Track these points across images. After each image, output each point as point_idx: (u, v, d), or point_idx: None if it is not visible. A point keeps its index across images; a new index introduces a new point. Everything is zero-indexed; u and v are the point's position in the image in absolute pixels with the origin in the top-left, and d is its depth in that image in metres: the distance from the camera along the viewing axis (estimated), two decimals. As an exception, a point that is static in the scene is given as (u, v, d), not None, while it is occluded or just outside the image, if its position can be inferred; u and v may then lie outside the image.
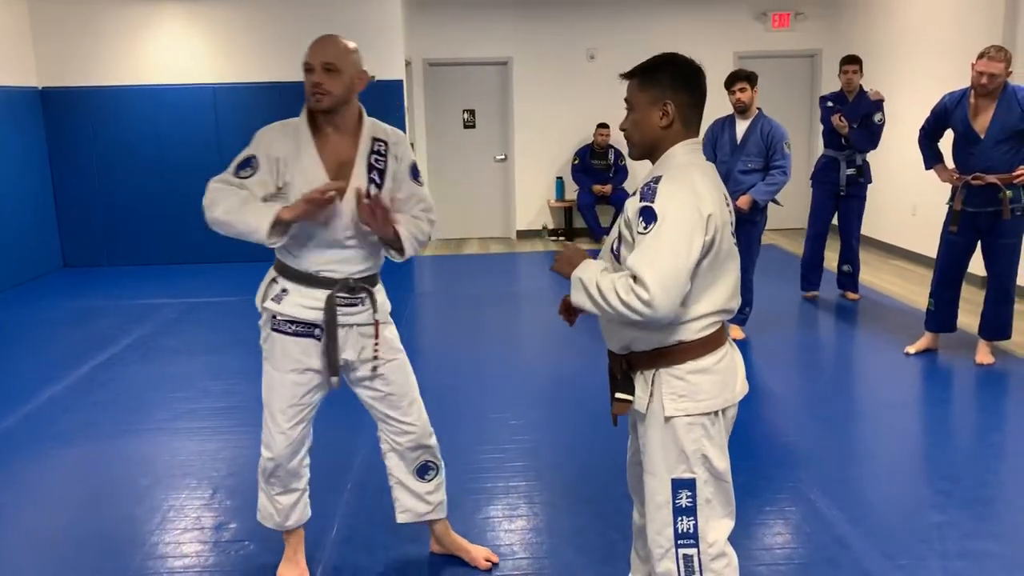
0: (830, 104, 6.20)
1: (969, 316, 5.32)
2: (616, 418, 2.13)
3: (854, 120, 6.04)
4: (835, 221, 6.41)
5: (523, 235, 10.01)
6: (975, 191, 4.64)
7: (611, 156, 9.43)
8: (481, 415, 4.28)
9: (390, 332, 2.72)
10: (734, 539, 2.13)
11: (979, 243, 4.83)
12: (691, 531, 2.03)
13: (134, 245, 8.58)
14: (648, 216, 1.90)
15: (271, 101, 7.85)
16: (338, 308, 2.55)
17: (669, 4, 9.50)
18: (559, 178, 9.83)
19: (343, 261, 2.55)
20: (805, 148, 9.46)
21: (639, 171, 9.31)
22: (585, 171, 9.44)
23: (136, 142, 8.39)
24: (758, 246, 5.51)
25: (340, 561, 2.94)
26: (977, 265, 5.08)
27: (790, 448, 3.86)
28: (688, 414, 1.99)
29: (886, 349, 5.24)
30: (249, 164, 2.49)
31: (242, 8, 8.20)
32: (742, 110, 5.35)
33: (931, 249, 5.24)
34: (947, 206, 4.87)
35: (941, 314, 5.02)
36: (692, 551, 2.04)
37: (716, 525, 2.07)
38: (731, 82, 5.33)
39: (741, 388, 2.09)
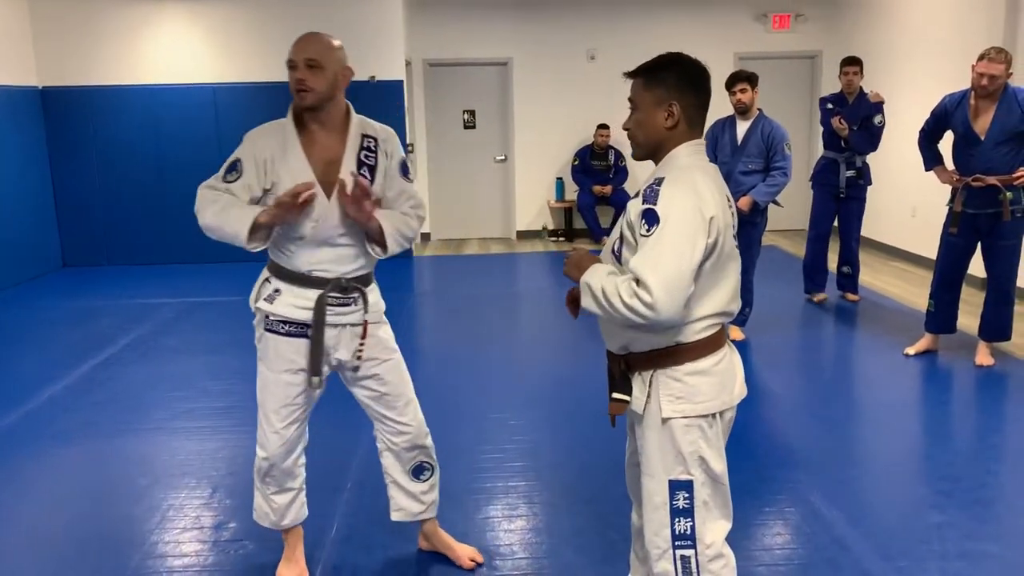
0: (830, 106, 6.19)
1: (969, 318, 5.32)
2: (614, 419, 2.13)
3: (854, 122, 6.04)
4: (835, 223, 6.40)
5: (523, 235, 10.01)
6: (975, 192, 4.65)
7: (611, 157, 9.44)
8: (481, 415, 4.27)
9: (384, 332, 2.71)
10: (733, 540, 2.13)
11: (979, 245, 4.83)
12: (688, 532, 2.03)
13: (134, 245, 8.59)
14: (650, 218, 1.89)
15: (271, 101, 7.77)
16: (331, 308, 2.55)
17: (669, 5, 9.50)
18: (559, 179, 9.83)
19: (335, 260, 2.54)
20: (805, 149, 9.46)
21: (639, 172, 9.31)
22: (585, 172, 9.44)
23: (136, 142, 8.40)
24: (758, 247, 5.51)
25: (339, 560, 2.94)
26: (977, 266, 5.08)
27: (790, 449, 3.86)
28: (685, 416, 1.99)
29: (886, 350, 5.24)
30: (235, 168, 2.51)
31: (242, 8, 8.21)
32: (743, 111, 5.35)
33: (931, 250, 5.24)
34: (947, 207, 4.87)
35: (941, 315, 5.02)
36: (689, 552, 2.04)
37: (713, 527, 2.06)
38: (731, 83, 5.33)
39: (740, 391, 2.09)
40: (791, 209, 8.15)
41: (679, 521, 2.03)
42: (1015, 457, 3.79)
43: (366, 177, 2.54)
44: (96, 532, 3.17)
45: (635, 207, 1.95)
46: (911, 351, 5.10)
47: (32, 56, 8.19)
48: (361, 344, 2.60)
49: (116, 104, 8.33)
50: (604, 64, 9.47)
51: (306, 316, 2.53)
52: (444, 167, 9.87)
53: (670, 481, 2.02)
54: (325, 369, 2.64)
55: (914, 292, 6.64)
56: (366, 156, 2.55)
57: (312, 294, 2.53)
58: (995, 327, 4.90)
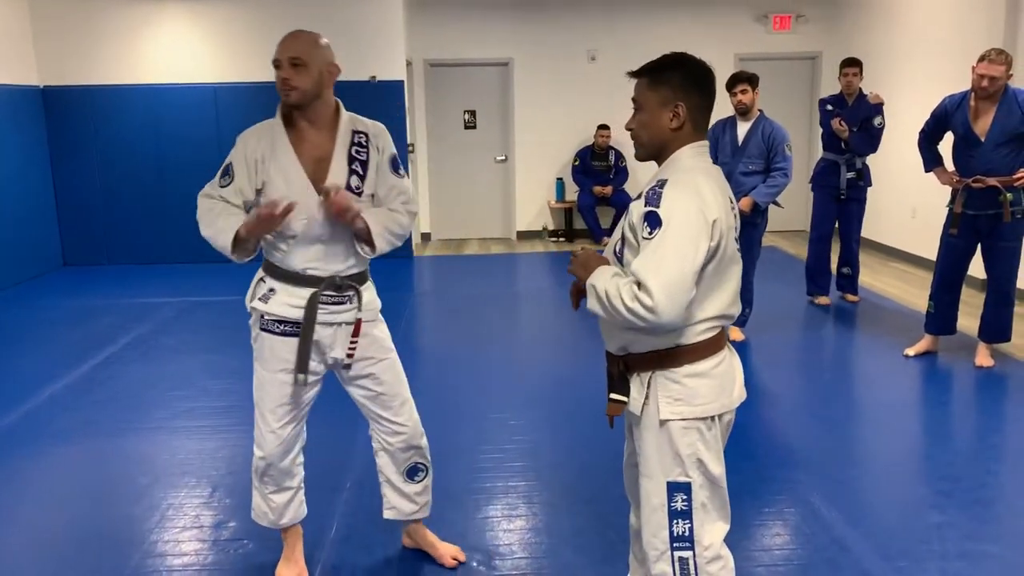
0: (829, 107, 6.19)
1: (969, 319, 5.32)
2: (612, 420, 2.12)
3: (854, 123, 6.04)
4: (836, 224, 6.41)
5: (523, 236, 10.01)
6: (975, 194, 4.65)
7: (612, 157, 9.44)
8: (481, 415, 4.28)
9: (380, 331, 2.71)
10: (732, 540, 2.13)
11: (979, 246, 4.83)
12: (687, 534, 2.03)
13: (134, 244, 8.59)
14: (653, 221, 1.88)
15: (272, 101, 7.74)
16: (326, 306, 2.55)
17: (670, 6, 9.51)
18: (559, 179, 9.83)
19: (328, 258, 2.54)
20: (805, 150, 9.46)
21: (640, 172, 9.32)
22: (585, 172, 9.45)
23: (137, 141, 8.40)
24: (759, 248, 5.52)
25: (339, 560, 2.94)
26: (977, 268, 5.09)
27: (789, 449, 3.86)
28: (684, 418, 1.98)
29: (886, 351, 5.24)
30: (227, 173, 2.54)
31: (243, 8, 8.22)
32: (743, 112, 5.35)
33: (931, 252, 5.24)
34: (947, 208, 4.87)
35: (941, 316, 5.02)
36: (688, 554, 2.03)
37: (711, 528, 2.06)
38: (732, 84, 5.34)
39: (739, 394, 2.08)
40: (791, 210, 8.15)
41: (677, 523, 2.02)
42: (1015, 458, 3.79)
43: (358, 173, 2.54)
44: (96, 531, 3.17)
45: (637, 209, 1.94)
46: (911, 352, 5.10)
47: (33, 55, 8.19)
48: (353, 342, 2.60)
49: (117, 104, 8.33)
50: (605, 65, 9.47)
51: (301, 315, 2.53)
52: (445, 167, 9.88)
53: (668, 483, 2.01)
54: (321, 368, 2.64)
55: (914, 293, 6.65)
56: (357, 151, 2.55)
57: (306, 293, 2.53)
58: (995, 328, 4.90)
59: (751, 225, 5.25)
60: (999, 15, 6.50)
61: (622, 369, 2.05)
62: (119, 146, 8.40)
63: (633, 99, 2.04)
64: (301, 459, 2.77)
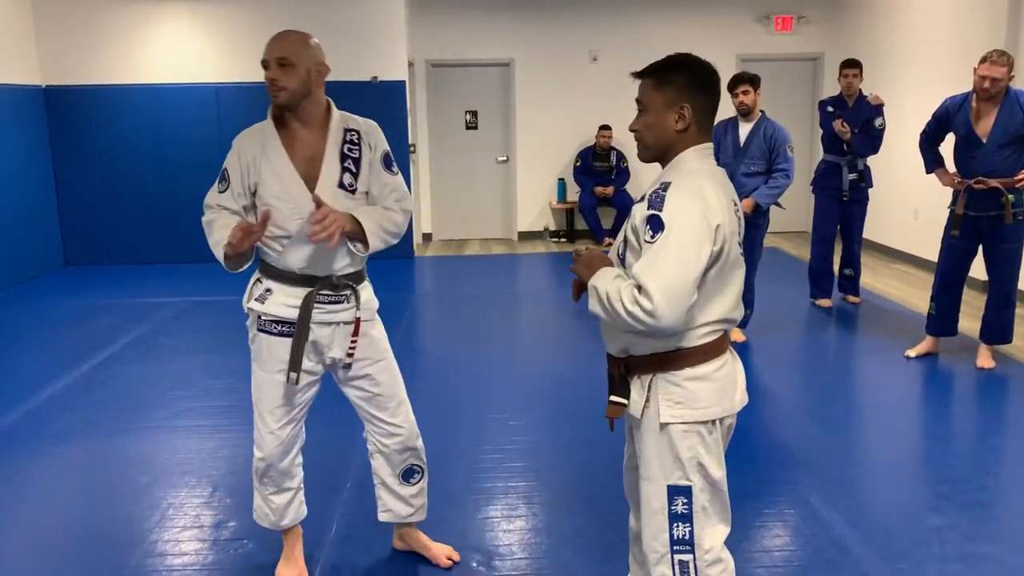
0: (830, 109, 6.18)
1: (970, 320, 5.31)
2: (612, 422, 2.11)
3: (855, 125, 6.03)
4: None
5: (525, 236, 10.01)
6: (977, 195, 4.64)
7: (613, 158, 9.44)
8: (481, 415, 4.27)
9: (377, 331, 2.70)
10: (732, 541, 2.13)
11: (981, 247, 4.82)
12: (687, 537, 2.02)
13: (135, 244, 8.60)
14: (655, 225, 1.86)
15: (273, 101, 7.85)
16: (323, 306, 2.55)
17: (672, 6, 9.50)
18: (561, 180, 9.83)
19: (324, 258, 2.53)
20: (807, 151, 9.45)
21: (641, 173, 9.31)
22: (587, 173, 9.44)
23: (138, 141, 8.40)
24: (760, 249, 5.52)
25: (339, 560, 2.94)
26: (978, 269, 5.08)
27: (790, 450, 3.86)
28: (684, 421, 1.97)
29: (887, 353, 5.23)
30: (224, 178, 2.55)
31: (245, 8, 8.22)
32: (745, 113, 5.35)
33: (932, 253, 5.23)
34: (949, 210, 4.86)
35: (942, 318, 5.02)
36: (688, 557, 2.02)
37: (712, 532, 2.04)
38: (734, 85, 5.33)
39: (740, 399, 2.06)
40: (793, 211, 8.15)
41: (677, 526, 2.01)
42: (1015, 460, 3.78)
43: (351, 171, 2.53)
44: (96, 531, 3.17)
45: (640, 212, 1.92)
46: (912, 353, 5.10)
47: (35, 55, 8.20)
48: (353, 341, 2.59)
49: (119, 103, 8.33)
50: (606, 65, 9.47)
51: (297, 315, 2.53)
52: (446, 168, 9.88)
53: (668, 486, 2.00)
54: (319, 368, 2.64)
55: (915, 294, 6.64)
56: (349, 149, 2.54)
57: (303, 292, 2.53)
58: (996, 330, 4.90)
59: (753, 226, 5.24)
60: (1001, 16, 6.50)
61: (623, 371, 2.04)
62: (121, 146, 8.40)
63: (637, 100, 2.01)
64: (300, 460, 2.76)
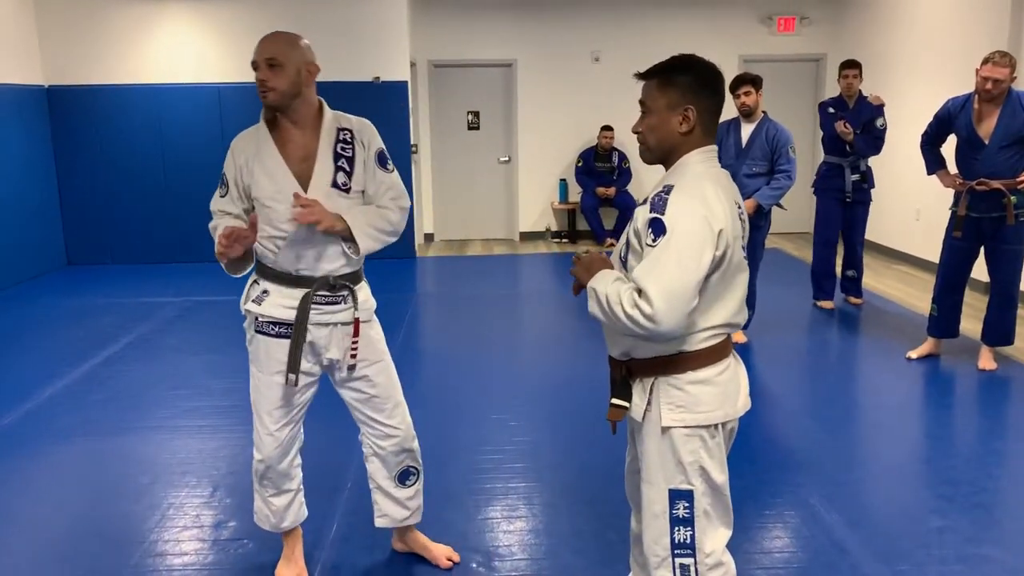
0: (831, 110, 6.18)
1: (972, 322, 5.31)
2: (614, 425, 2.10)
3: (856, 126, 6.02)
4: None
5: (526, 237, 10.01)
6: (979, 196, 4.64)
7: (615, 159, 9.43)
8: (481, 416, 4.27)
9: (375, 332, 2.70)
10: (733, 543, 2.12)
11: (982, 248, 4.82)
12: (688, 541, 2.01)
13: (137, 244, 8.61)
14: (657, 228, 1.84)
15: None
16: (321, 307, 2.54)
17: (674, 7, 9.50)
18: (563, 180, 9.83)
19: (320, 259, 2.52)
20: (809, 152, 9.44)
21: (643, 174, 9.31)
22: (589, 173, 9.44)
23: (141, 141, 8.41)
24: (762, 250, 5.51)
25: (339, 560, 2.94)
26: (980, 270, 5.07)
27: (790, 451, 3.85)
28: (686, 425, 1.96)
29: (888, 354, 5.23)
30: (223, 183, 2.57)
31: (247, 8, 8.22)
32: (747, 114, 5.34)
33: (934, 254, 5.23)
34: (950, 211, 4.86)
35: (944, 319, 5.01)
36: (689, 560, 2.02)
37: (713, 535, 2.04)
38: (736, 85, 5.32)
39: (743, 403, 2.05)
40: (795, 212, 8.15)
41: (679, 530, 2.00)
42: (1017, 462, 3.78)
43: (345, 170, 2.53)
44: (96, 530, 3.18)
45: (643, 214, 1.91)
46: (913, 355, 5.09)
47: (38, 55, 8.21)
48: (354, 342, 2.59)
49: (121, 103, 8.34)
50: (608, 66, 9.47)
51: (294, 316, 2.53)
52: (448, 168, 9.88)
53: (670, 490, 1.99)
54: (317, 369, 2.63)
55: (917, 296, 6.63)
56: (343, 148, 2.54)
57: (300, 294, 2.52)
58: (998, 331, 4.89)
59: (754, 227, 5.23)
60: (1003, 17, 6.49)
61: (624, 374, 2.03)
62: (123, 146, 8.42)
63: (641, 101, 1.98)
64: (299, 461, 2.76)
